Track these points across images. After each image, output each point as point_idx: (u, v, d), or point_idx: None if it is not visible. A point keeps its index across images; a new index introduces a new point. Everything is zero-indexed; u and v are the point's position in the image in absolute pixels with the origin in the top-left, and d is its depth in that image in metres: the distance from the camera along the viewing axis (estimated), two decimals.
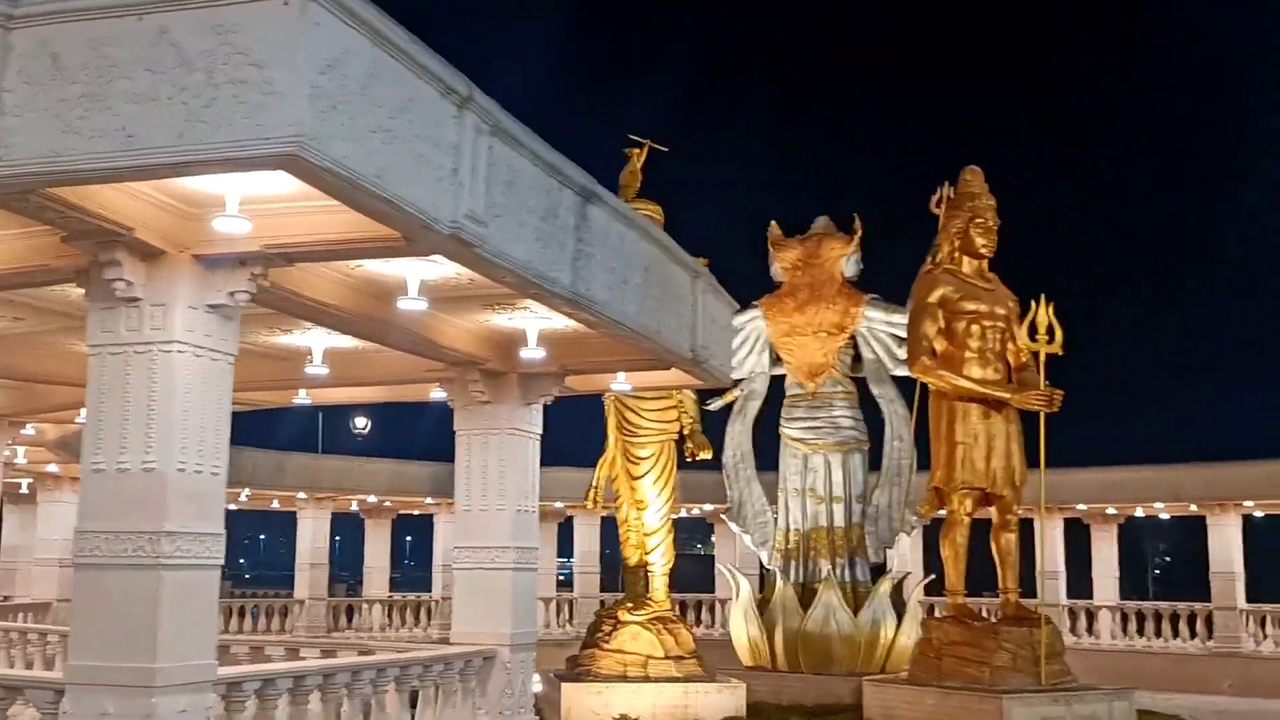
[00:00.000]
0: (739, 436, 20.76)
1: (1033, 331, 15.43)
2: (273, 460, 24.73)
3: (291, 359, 10.38)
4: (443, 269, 7.51)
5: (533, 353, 9.25)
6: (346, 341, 9.54)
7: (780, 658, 18.93)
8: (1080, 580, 29.64)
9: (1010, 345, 16.10)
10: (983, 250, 16.32)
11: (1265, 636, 25.51)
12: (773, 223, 21.01)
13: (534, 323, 8.96)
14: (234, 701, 7.49)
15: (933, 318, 16.00)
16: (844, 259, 20.29)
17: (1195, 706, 22.47)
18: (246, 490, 24.28)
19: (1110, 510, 28.11)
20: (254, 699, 7.70)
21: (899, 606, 19.00)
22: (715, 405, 20.96)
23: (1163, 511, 28.58)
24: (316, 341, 9.76)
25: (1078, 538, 30.93)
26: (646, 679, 15.64)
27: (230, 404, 7.17)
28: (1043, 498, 15.66)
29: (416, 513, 31.72)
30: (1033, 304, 15.60)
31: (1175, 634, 26.54)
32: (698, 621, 27.56)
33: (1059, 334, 15.60)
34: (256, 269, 6.83)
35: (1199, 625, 26.23)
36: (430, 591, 29.69)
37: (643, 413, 16.47)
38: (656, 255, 9.30)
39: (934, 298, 16.08)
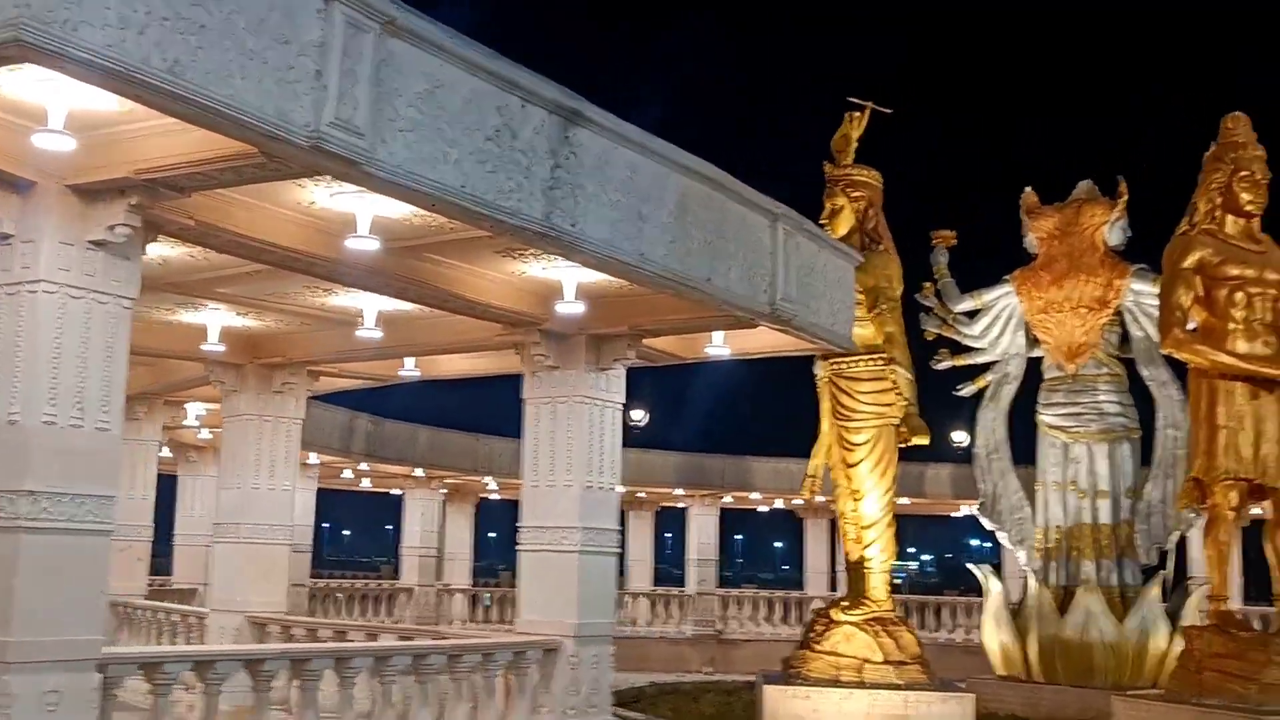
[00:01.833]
0: (992, 424, 19.06)
1: None
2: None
3: (348, 323, 9.80)
4: (403, 205, 6.69)
5: (570, 307, 8.33)
6: (397, 305, 8.97)
7: (1035, 667, 17.21)
8: None
9: None
10: (1249, 207, 14.13)
11: None
12: (1027, 189, 19.19)
13: (569, 274, 8.07)
14: (160, 685, 7.03)
15: (1188, 285, 13.98)
16: (1107, 226, 18.27)
17: None
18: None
19: None
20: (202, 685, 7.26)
21: (1176, 614, 16.93)
22: (966, 391, 19.39)
23: None
24: (366, 304, 9.15)
25: None
26: (861, 685, 14.43)
27: (126, 353, 6.49)
28: None
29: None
30: None
31: None
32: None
33: None
34: (134, 200, 6.16)
35: None
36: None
37: (857, 395, 15.25)
38: (701, 191, 8.12)
39: (1189, 262, 14.05)
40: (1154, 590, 16.80)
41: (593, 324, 9.09)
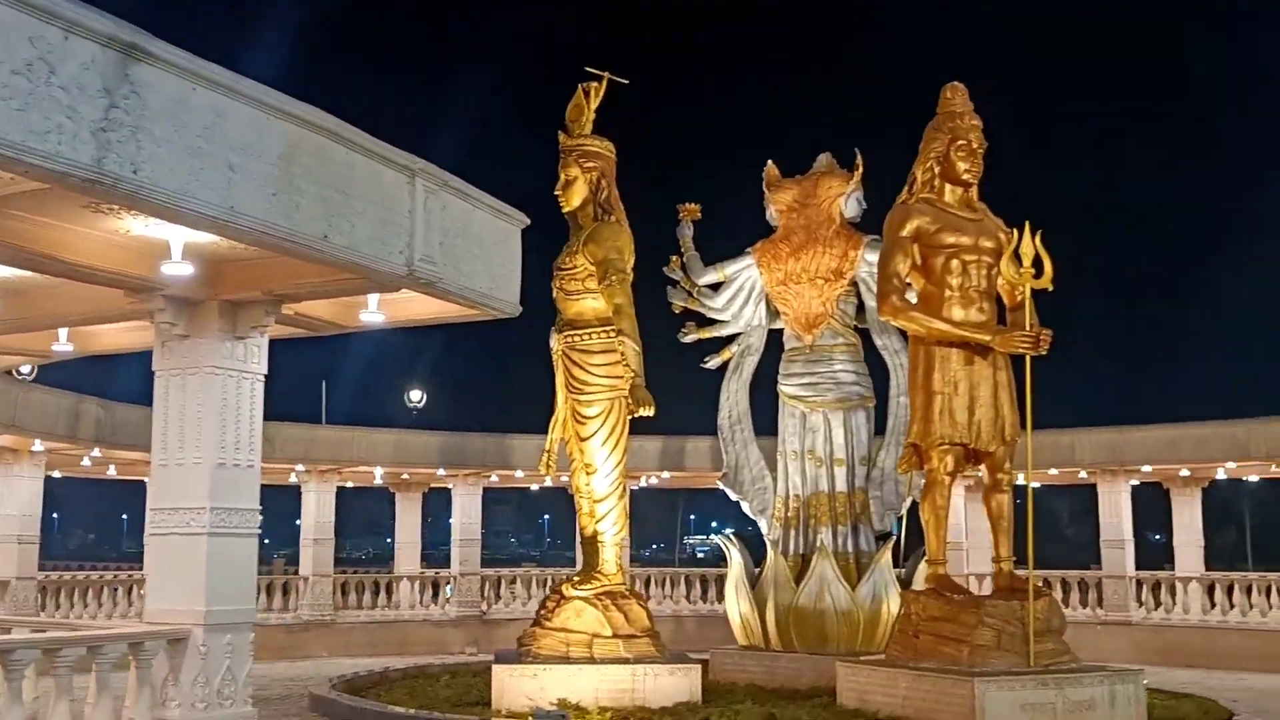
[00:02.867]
0: (735, 396, 19.13)
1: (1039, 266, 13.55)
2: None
3: None
4: None
5: (177, 268, 7.71)
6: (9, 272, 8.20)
7: (773, 636, 17.32)
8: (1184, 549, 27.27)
9: (1002, 283, 14.19)
10: (965, 176, 14.38)
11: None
12: (769, 163, 19.28)
13: (175, 232, 7.41)
14: None
15: (905, 253, 14.15)
16: (843, 198, 18.48)
17: (1265, 688, 20.25)
18: None
19: (1184, 472, 25.75)
20: None
21: (911, 580, 17.27)
22: (713, 363, 19.40)
23: (1235, 472, 26.11)
24: None
25: (1159, 502, 28.62)
26: (591, 660, 14.19)
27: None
28: (1029, 456, 13.77)
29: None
30: (1013, 232, 13.69)
31: (1251, 606, 24.08)
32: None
33: (1048, 266, 13.64)
34: None
35: (1275, 596, 23.75)
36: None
37: (589, 367, 14.98)
38: (314, 142, 7.58)
39: (907, 231, 14.22)
40: (885, 556, 17.09)
41: (225, 289, 8.44)
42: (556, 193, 15.58)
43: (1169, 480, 26.77)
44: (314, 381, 39.83)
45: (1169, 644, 24.03)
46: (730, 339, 19.34)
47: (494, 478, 27.67)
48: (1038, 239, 13.59)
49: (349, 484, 30.32)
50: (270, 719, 15.08)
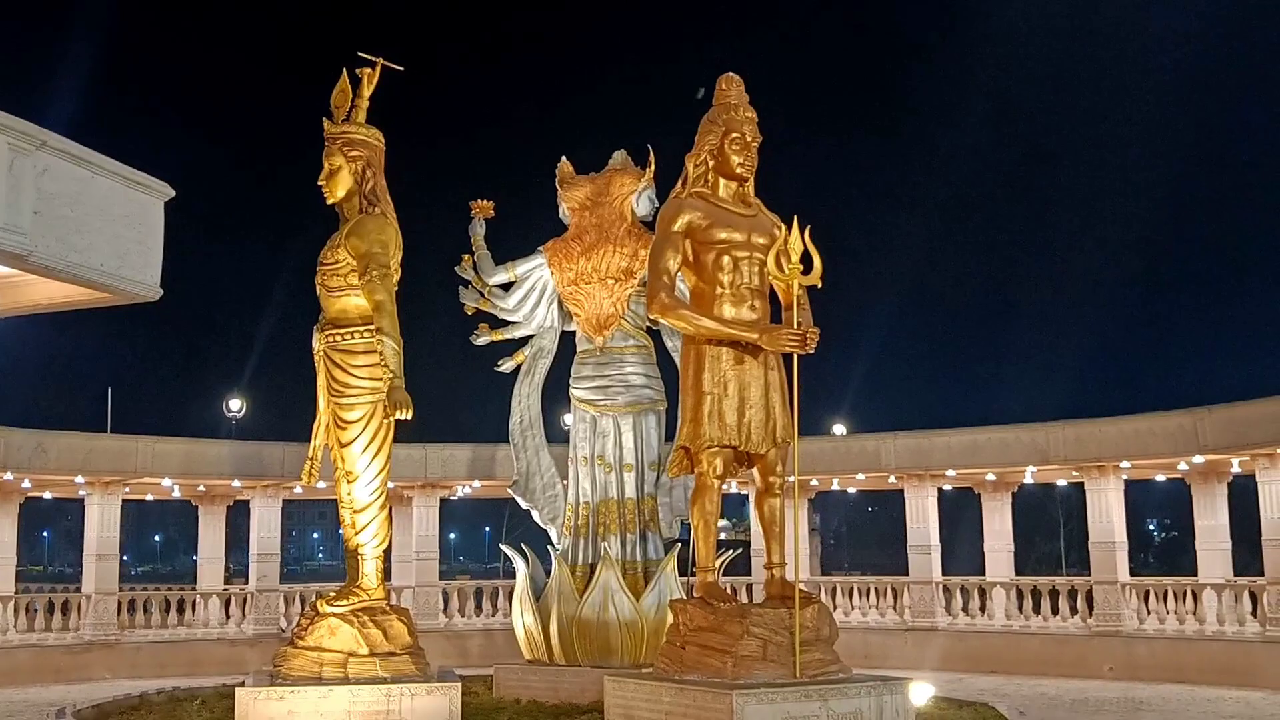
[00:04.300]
0: (527, 400, 18.47)
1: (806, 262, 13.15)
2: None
3: None
4: None
5: None
6: None
7: (557, 650, 16.68)
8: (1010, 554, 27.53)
9: (777, 282, 13.75)
10: (739, 170, 13.91)
11: (1149, 613, 23.30)
12: (563, 159, 18.70)
13: None
14: None
15: (675, 249, 13.61)
16: (635, 196, 18.01)
17: (1056, 695, 20.36)
18: None
19: (990, 476, 25.97)
20: None
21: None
22: (506, 366, 18.71)
23: (1039, 476, 26.46)
24: None
25: (971, 507, 28.84)
26: (345, 680, 13.32)
27: None
28: (795, 459, 13.36)
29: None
30: (779, 229, 13.28)
31: (1055, 612, 24.32)
32: None
33: (817, 262, 13.26)
34: None
35: (1080, 602, 24.04)
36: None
37: (351, 369, 14.11)
38: None
39: (678, 225, 13.68)
40: (670, 564, 16.61)
41: None
42: (320, 183, 14.71)
43: (978, 485, 26.95)
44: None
45: (974, 650, 24.09)
46: (524, 341, 18.70)
47: (298, 489, 26.49)
48: (807, 234, 13.21)
49: (148, 497, 28.85)
50: None
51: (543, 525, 18.28)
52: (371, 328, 14.01)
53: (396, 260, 14.48)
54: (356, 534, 14.16)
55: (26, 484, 23.66)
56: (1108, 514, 23.44)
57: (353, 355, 14.14)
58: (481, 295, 18.44)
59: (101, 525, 23.36)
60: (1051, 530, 56.28)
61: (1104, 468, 23.27)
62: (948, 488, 28.74)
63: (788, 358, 13.33)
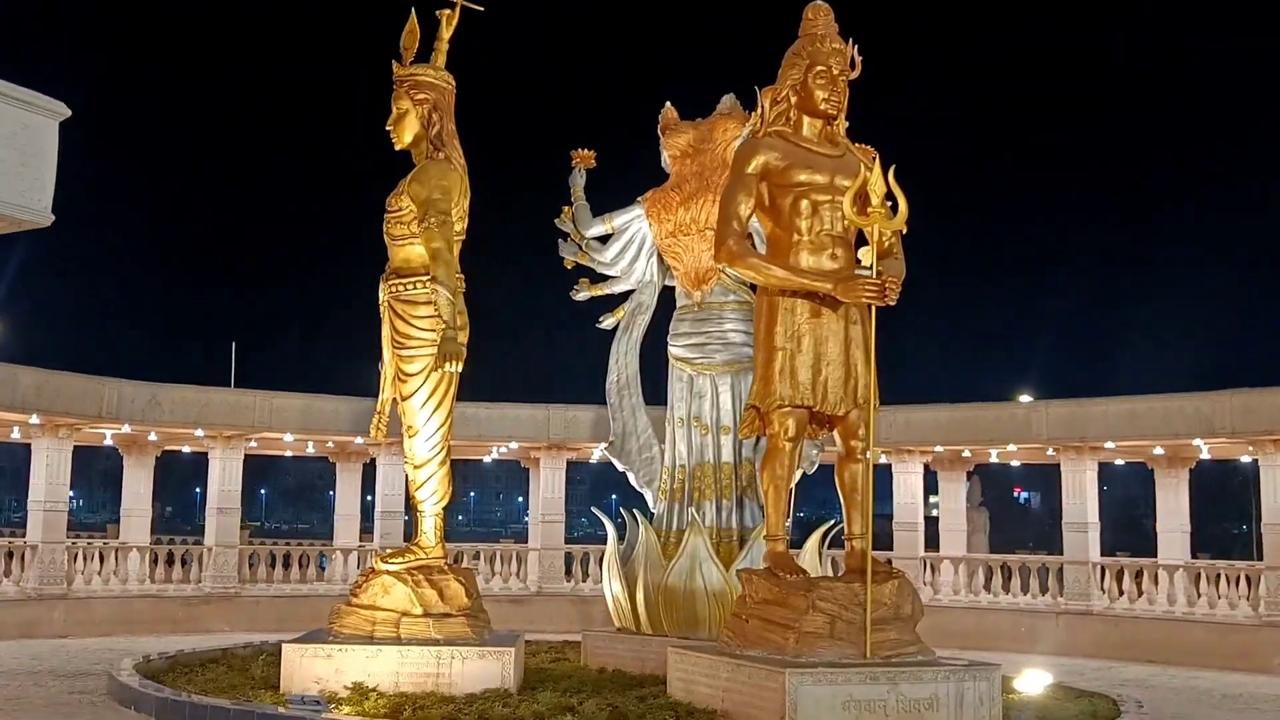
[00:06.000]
0: (624, 358, 17.65)
1: (889, 203, 11.95)
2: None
3: None
4: None
5: None
6: None
7: (644, 618, 15.89)
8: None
9: (857, 226, 12.50)
10: (824, 107, 12.73)
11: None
12: (667, 105, 17.73)
13: None
14: None
15: (748, 192, 12.54)
16: (738, 141, 16.87)
17: (1207, 688, 18.54)
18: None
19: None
20: None
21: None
22: (608, 323, 17.94)
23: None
24: None
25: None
26: (398, 640, 12.84)
27: None
28: (872, 420, 12.15)
29: None
30: (862, 168, 12.06)
31: (1221, 597, 22.20)
32: None
33: (903, 205, 12.03)
34: None
35: (1251, 589, 21.89)
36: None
37: (413, 320, 13.55)
38: None
39: (752, 167, 12.62)
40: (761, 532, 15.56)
41: None
42: (388, 128, 14.17)
43: (1150, 460, 25.04)
44: None
45: (1130, 637, 22.32)
46: (625, 296, 17.90)
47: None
48: (890, 175, 11.98)
49: (286, 453, 29.00)
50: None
51: (639, 489, 17.47)
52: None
53: (462, 207, 13.85)
54: (416, 489, 13.65)
55: (153, 437, 24.01)
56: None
57: (414, 306, 13.58)
58: (580, 249, 17.70)
59: (223, 479, 23.55)
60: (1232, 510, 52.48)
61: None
62: (1119, 461, 26.79)
63: (875, 311, 12.14)
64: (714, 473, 16.36)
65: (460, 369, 12.91)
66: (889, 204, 11.97)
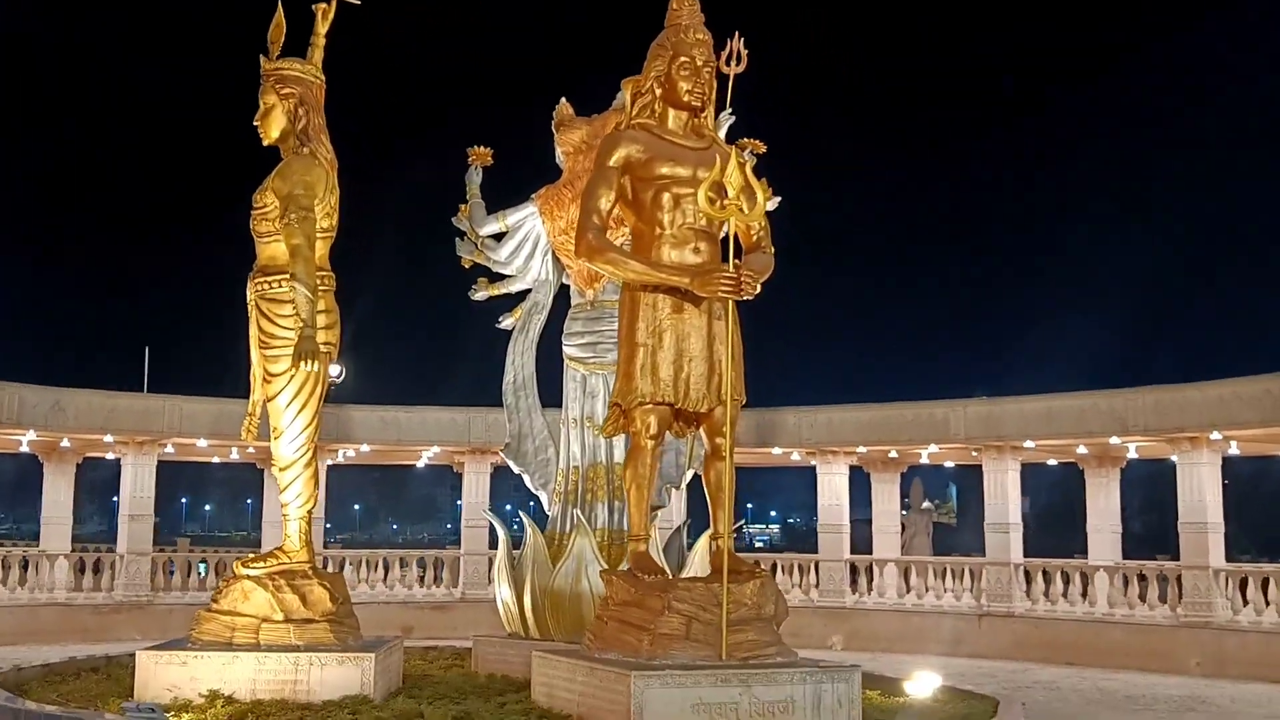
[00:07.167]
0: (521, 358, 17.34)
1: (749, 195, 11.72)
2: None
3: None
4: None
5: None
6: None
7: (531, 623, 15.60)
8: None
9: (735, 222, 12.26)
10: (688, 99, 12.49)
11: (1245, 603, 20.97)
12: (562, 100, 17.48)
13: None
14: None
15: (609, 185, 12.29)
16: None
17: (1112, 689, 18.40)
18: None
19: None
20: None
21: (682, 559, 15.60)
22: (506, 323, 17.65)
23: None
24: None
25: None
26: (257, 646, 12.53)
27: None
28: (729, 420, 11.88)
29: None
30: (718, 160, 11.82)
31: (1143, 599, 22.10)
32: None
33: (761, 197, 11.82)
34: None
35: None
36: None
37: (277, 319, 13.24)
38: None
39: (614, 160, 12.36)
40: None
41: None
42: (255, 123, 13.89)
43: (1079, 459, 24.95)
44: None
45: (1051, 639, 22.16)
46: (523, 296, 17.63)
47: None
48: (748, 167, 11.77)
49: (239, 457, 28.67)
50: None
51: (534, 491, 17.19)
52: None
53: (329, 204, 13.57)
54: (281, 492, 13.37)
55: (66, 444, 23.64)
56: (1200, 491, 21.06)
57: (279, 304, 13.27)
58: (476, 247, 17.44)
59: (135, 485, 23.17)
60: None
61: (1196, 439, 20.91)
62: (1051, 462, 26.66)
63: (739, 306, 11.90)
64: (606, 474, 16.10)
65: (317, 368, 12.64)
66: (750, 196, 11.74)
